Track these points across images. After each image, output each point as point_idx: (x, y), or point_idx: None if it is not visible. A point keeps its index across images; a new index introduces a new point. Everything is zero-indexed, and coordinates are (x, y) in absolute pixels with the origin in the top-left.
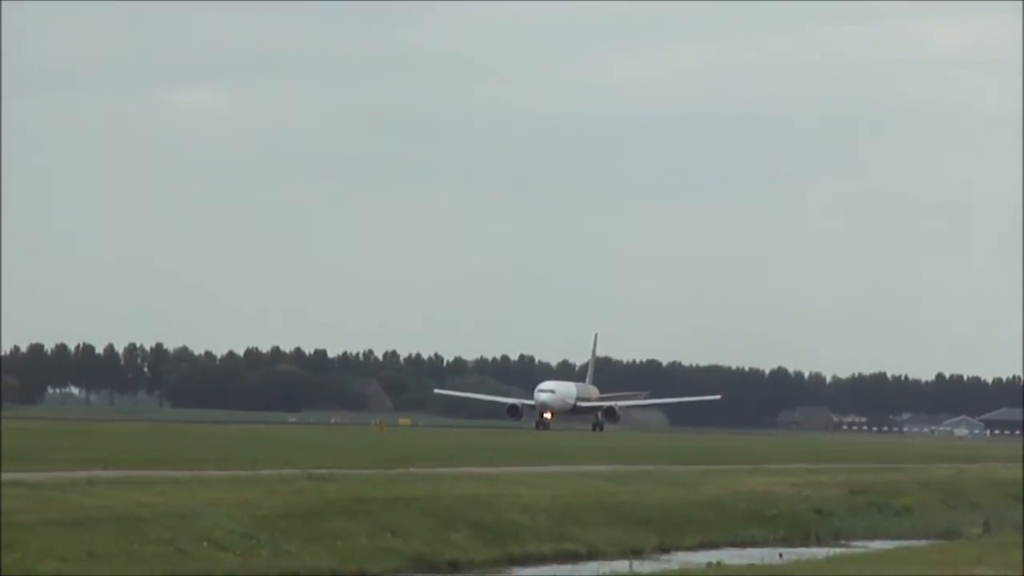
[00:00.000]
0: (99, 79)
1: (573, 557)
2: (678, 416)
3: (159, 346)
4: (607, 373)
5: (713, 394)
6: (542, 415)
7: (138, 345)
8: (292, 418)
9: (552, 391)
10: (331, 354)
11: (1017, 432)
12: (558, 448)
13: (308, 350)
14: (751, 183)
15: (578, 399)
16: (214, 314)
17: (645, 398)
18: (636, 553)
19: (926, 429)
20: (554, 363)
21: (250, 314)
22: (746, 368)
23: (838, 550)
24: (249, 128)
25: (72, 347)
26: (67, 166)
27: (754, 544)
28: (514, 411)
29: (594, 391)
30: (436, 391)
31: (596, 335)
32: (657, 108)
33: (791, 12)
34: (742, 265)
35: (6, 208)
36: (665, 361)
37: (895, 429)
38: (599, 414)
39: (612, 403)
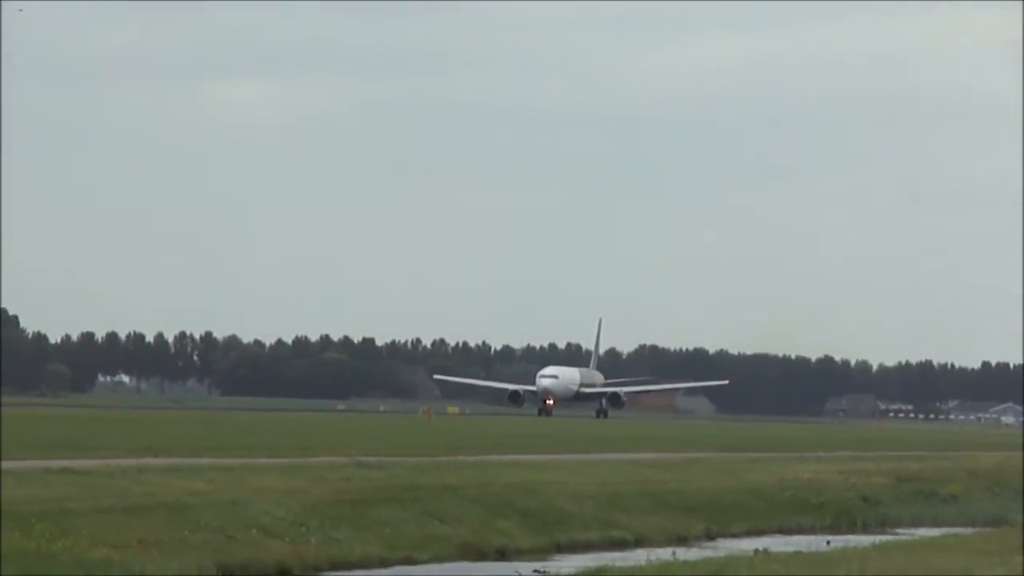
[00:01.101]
0: (148, 71)
1: (620, 544)
2: (725, 403)
3: (209, 334)
4: (654, 361)
5: (763, 383)
6: (544, 401)
7: (188, 333)
8: (341, 406)
9: (555, 376)
10: (379, 342)
11: None
12: (603, 436)
13: (356, 338)
14: (792, 172)
15: (582, 385)
16: (263, 303)
17: (650, 383)
18: (682, 540)
19: (972, 417)
20: (601, 351)
21: (299, 303)
22: (793, 356)
23: (884, 537)
24: (295, 118)
25: (123, 336)
26: (117, 157)
27: (801, 531)
28: (516, 397)
29: (598, 377)
30: (435, 376)
31: (600, 320)
32: (696, 100)
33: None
34: (789, 255)
35: (58, 198)
36: (712, 350)
37: (941, 417)
38: (603, 400)
39: (617, 389)
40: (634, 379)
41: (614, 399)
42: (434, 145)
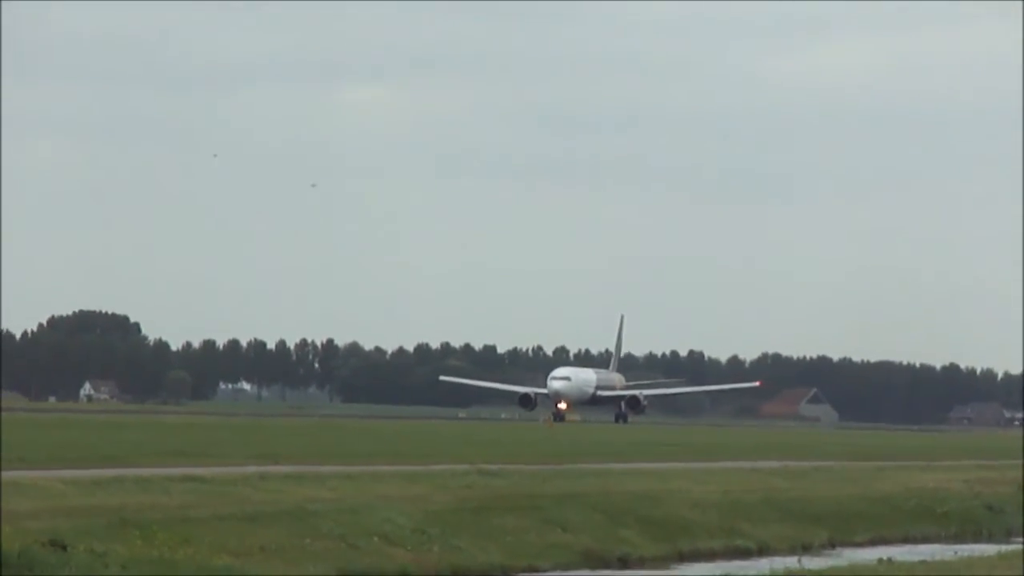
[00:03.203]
0: (273, 76)
1: (743, 553)
2: (848, 411)
3: (330, 342)
4: (776, 369)
5: (887, 391)
6: (557, 405)
7: (310, 341)
8: (462, 413)
9: (567, 378)
10: (500, 350)
11: None
12: (727, 444)
13: (477, 346)
14: (916, 176)
15: (598, 387)
16: (385, 310)
17: (677, 385)
18: (806, 549)
19: None
20: (724, 358)
21: (420, 310)
22: (917, 364)
23: (1010, 547)
24: (418, 126)
25: (244, 343)
26: (242, 162)
27: (925, 541)
28: (527, 401)
29: (618, 379)
30: (441, 378)
31: (622, 317)
32: (824, 103)
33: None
34: (913, 260)
35: (182, 205)
36: (835, 357)
37: None
38: (622, 404)
39: (636, 392)
40: (656, 381)
41: (633, 402)
42: (550, 151)
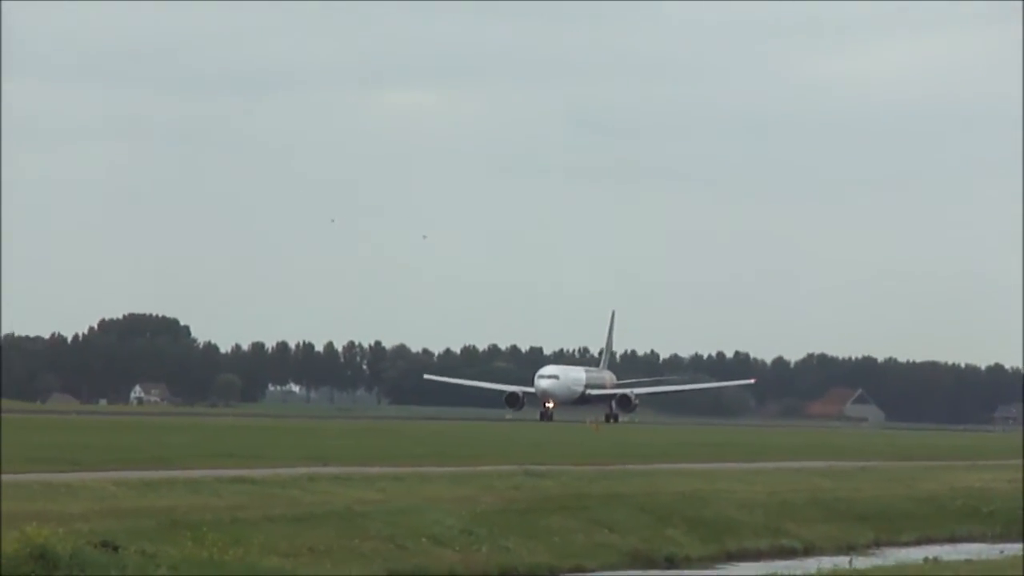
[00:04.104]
0: (318, 80)
1: (789, 553)
2: (894, 411)
3: (378, 344)
4: (822, 369)
5: (933, 392)
6: (544, 404)
7: (357, 343)
8: (509, 415)
9: (555, 376)
10: (547, 351)
11: None
12: (772, 444)
13: (524, 347)
14: (962, 176)
15: (587, 386)
16: (432, 312)
17: (671, 384)
18: (851, 549)
19: None
20: (769, 359)
21: (467, 312)
22: (962, 364)
23: None
24: (462, 129)
25: (293, 345)
26: (288, 165)
27: (971, 540)
28: (514, 400)
29: (609, 377)
30: (425, 376)
31: (613, 312)
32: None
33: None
34: (958, 261)
35: (231, 208)
36: (881, 358)
37: None
38: (612, 403)
39: (627, 391)
40: (650, 379)
41: (623, 401)
42: (591, 153)
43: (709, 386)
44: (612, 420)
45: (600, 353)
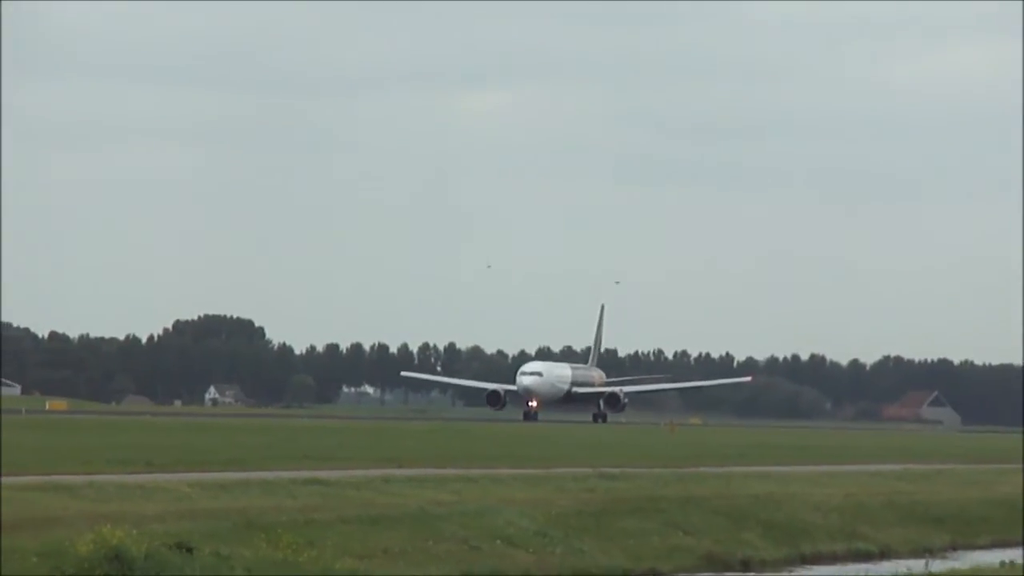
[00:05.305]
0: (397, 81)
1: (865, 556)
2: (969, 414)
3: (452, 345)
4: (898, 372)
5: (1009, 394)
6: (528, 403)
7: (431, 344)
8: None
9: (538, 374)
10: (621, 353)
11: None
12: (848, 447)
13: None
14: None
15: (574, 384)
16: (505, 313)
17: (661, 381)
18: (927, 552)
19: None
20: (844, 361)
21: (541, 314)
22: None
23: None
24: (539, 129)
25: (367, 347)
26: (365, 167)
27: None
28: (495, 399)
29: (597, 375)
30: (402, 373)
31: (603, 307)
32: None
33: None
34: None
35: (306, 210)
36: (957, 360)
37: None
38: (600, 402)
39: (615, 389)
40: (638, 377)
41: (612, 400)
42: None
43: (701, 384)
44: (600, 420)
45: (589, 349)
